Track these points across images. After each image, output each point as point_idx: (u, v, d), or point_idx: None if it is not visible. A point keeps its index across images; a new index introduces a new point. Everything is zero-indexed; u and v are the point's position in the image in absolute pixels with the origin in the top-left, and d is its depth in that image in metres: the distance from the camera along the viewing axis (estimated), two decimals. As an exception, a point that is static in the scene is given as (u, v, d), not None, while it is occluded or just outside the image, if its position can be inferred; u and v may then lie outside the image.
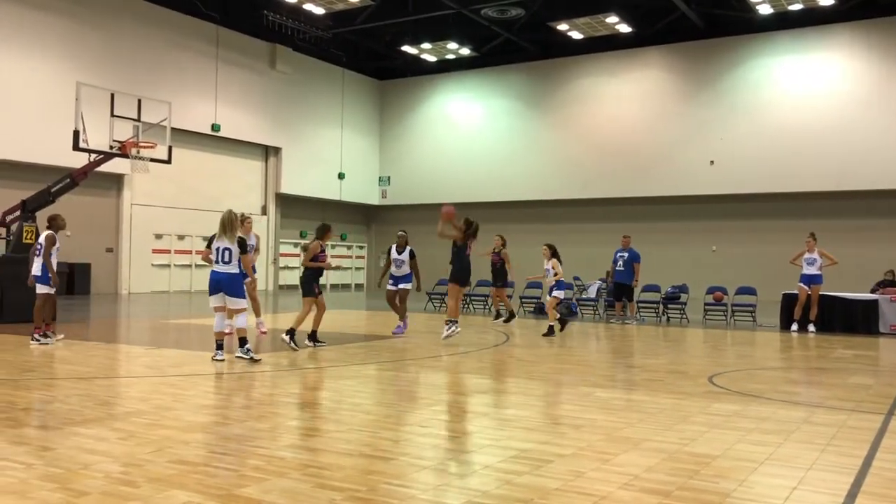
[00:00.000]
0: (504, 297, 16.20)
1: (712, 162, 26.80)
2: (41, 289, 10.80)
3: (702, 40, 27.09)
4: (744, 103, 26.52)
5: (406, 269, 13.13)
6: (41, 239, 10.86)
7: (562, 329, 13.56)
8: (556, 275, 13.17)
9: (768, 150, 25.78)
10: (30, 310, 12.51)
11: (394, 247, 13.26)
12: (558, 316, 13.53)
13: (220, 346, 9.11)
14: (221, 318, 9.28)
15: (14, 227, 14.60)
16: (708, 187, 26.78)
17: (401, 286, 13.09)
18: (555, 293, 13.29)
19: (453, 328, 11.42)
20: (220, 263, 9.11)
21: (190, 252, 26.13)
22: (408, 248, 13.17)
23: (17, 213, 14.66)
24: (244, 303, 9.33)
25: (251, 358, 9.11)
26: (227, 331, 9.57)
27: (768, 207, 26.09)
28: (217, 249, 9.13)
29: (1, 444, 5.01)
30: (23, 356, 9.37)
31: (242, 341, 9.25)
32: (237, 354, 9.19)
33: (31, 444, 5.04)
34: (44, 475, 4.32)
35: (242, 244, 9.17)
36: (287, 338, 10.26)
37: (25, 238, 14.09)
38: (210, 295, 9.20)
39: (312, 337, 10.77)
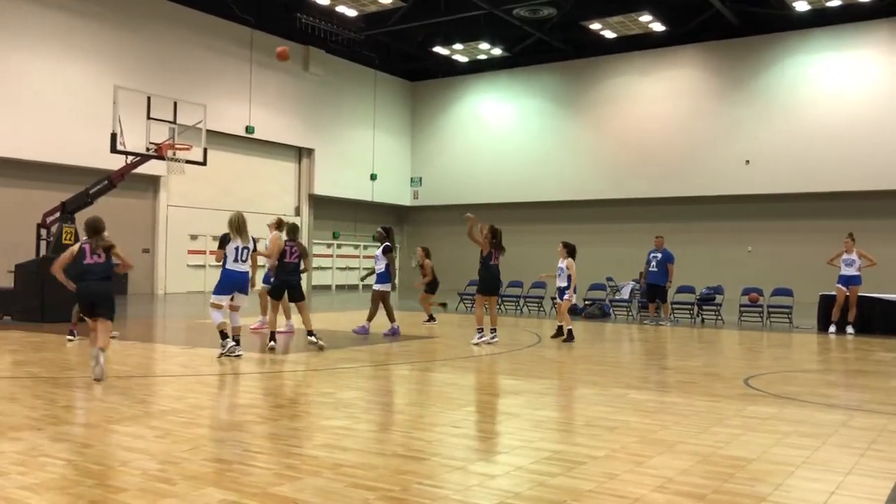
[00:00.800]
0: (427, 302, 15.27)
1: (748, 161, 26.47)
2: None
3: (736, 38, 26.77)
4: (779, 102, 26.15)
5: (381, 266, 12.83)
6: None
7: (567, 339, 12.07)
8: (570, 276, 12.34)
9: (805, 149, 25.40)
10: (71, 310, 12.75)
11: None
12: (569, 326, 12.25)
13: (226, 336, 9.31)
14: (220, 314, 9.51)
15: (54, 229, 14.89)
16: (743, 187, 26.46)
17: (379, 287, 12.82)
18: (567, 295, 12.35)
19: (482, 336, 11.54)
20: (239, 262, 9.36)
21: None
22: (383, 245, 12.90)
23: (57, 214, 14.97)
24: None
25: (238, 355, 9.32)
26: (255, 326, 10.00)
27: (805, 207, 25.70)
28: (237, 249, 9.34)
29: (43, 441, 5.11)
30: (63, 355, 9.56)
31: (237, 339, 9.47)
32: (223, 352, 9.33)
33: (71, 441, 5.13)
34: (84, 471, 4.40)
35: (254, 244, 9.60)
36: (314, 338, 10.46)
37: (65, 239, 14.37)
38: (222, 293, 9.40)
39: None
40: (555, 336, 12.55)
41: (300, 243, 10.73)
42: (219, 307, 9.45)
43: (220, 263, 9.43)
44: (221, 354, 9.25)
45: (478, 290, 11.97)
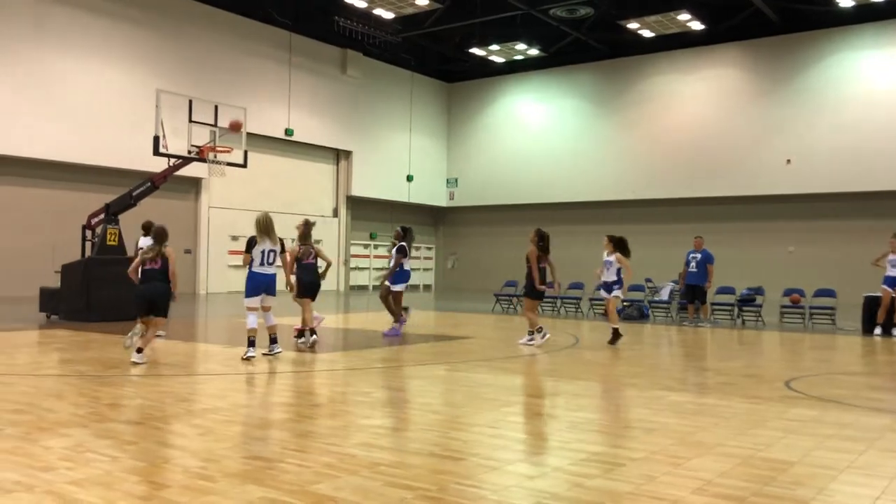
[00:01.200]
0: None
1: (789, 161, 26.04)
2: None
3: (777, 36, 26.35)
4: (822, 100, 25.68)
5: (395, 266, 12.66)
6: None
7: (612, 341, 11.67)
8: (620, 270, 11.64)
9: (848, 148, 24.91)
10: (116, 308, 13.07)
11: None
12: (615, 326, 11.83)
13: (253, 343, 9.32)
14: (256, 317, 9.56)
15: (98, 230, 15.20)
16: (784, 187, 26.03)
17: (393, 287, 12.71)
18: (615, 292, 11.80)
19: (532, 338, 11.41)
20: (266, 265, 9.38)
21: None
22: (399, 244, 12.73)
23: (101, 216, 15.27)
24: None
25: (278, 353, 9.48)
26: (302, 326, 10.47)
27: (848, 207, 25.20)
28: (263, 252, 9.34)
29: (88, 437, 5.23)
30: (108, 353, 9.75)
31: (274, 339, 9.55)
32: (265, 352, 9.45)
33: (115, 438, 5.24)
34: (127, 468, 4.50)
35: (282, 245, 9.63)
36: (308, 337, 10.67)
37: (109, 240, 14.66)
38: (252, 296, 9.44)
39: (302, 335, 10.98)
40: (612, 341, 11.67)
41: (311, 245, 10.90)
42: (253, 310, 9.50)
43: (247, 266, 9.50)
44: (247, 356, 9.14)
45: (526, 294, 11.57)
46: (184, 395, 7.12)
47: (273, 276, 9.49)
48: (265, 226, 9.42)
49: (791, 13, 25.27)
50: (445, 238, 35.26)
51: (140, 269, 9.21)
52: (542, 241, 11.37)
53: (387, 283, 12.82)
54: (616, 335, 11.72)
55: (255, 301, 9.46)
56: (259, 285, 9.44)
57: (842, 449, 5.25)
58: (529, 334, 11.51)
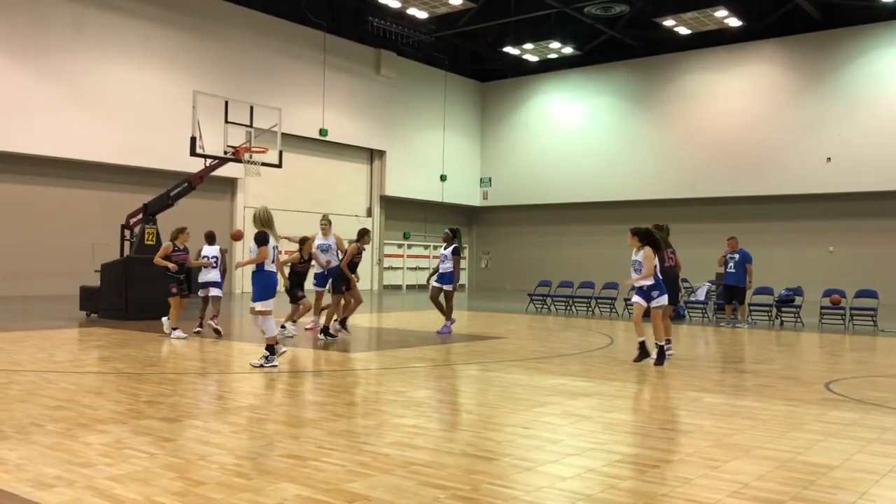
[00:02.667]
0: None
1: (829, 159, 25.58)
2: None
3: (818, 32, 25.89)
4: (864, 97, 25.18)
5: (448, 266, 12.96)
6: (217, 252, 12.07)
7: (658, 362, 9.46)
8: (645, 269, 9.35)
9: (890, 146, 24.40)
10: (154, 307, 13.32)
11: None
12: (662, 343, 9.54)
13: (274, 352, 8.53)
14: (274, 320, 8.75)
15: (137, 230, 15.44)
16: (824, 185, 25.58)
17: (445, 286, 13.01)
18: (658, 299, 9.38)
19: (669, 350, 9.85)
20: (272, 263, 8.60)
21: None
22: (452, 246, 13.03)
23: (140, 216, 15.51)
24: None
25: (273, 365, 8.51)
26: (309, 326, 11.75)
27: (890, 206, 24.69)
28: (274, 248, 8.62)
29: (126, 434, 5.31)
30: (146, 351, 9.90)
31: (272, 349, 8.62)
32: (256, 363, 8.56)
33: (153, 435, 5.32)
34: (165, 464, 4.56)
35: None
36: (324, 335, 11.32)
37: (146, 240, 14.88)
38: (268, 298, 8.55)
39: (325, 331, 11.46)
40: (658, 362, 9.41)
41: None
42: (270, 314, 8.58)
43: (257, 265, 8.54)
44: (262, 365, 8.41)
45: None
46: (220, 392, 7.20)
47: (276, 276, 8.80)
48: (268, 220, 8.69)
49: (832, 9, 24.82)
50: (479, 238, 35.22)
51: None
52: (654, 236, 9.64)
53: (447, 286, 13.02)
54: (661, 354, 9.41)
55: (271, 304, 8.57)
56: (274, 285, 8.62)
57: (884, 453, 5.15)
58: (668, 343, 9.73)
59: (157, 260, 11.74)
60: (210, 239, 12.20)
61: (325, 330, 11.50)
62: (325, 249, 12.37)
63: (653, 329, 9.45)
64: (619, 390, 7.84)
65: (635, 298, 9.61)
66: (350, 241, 12.08)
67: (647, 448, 5.21)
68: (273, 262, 8.65)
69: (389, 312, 18.44)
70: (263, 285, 8.55)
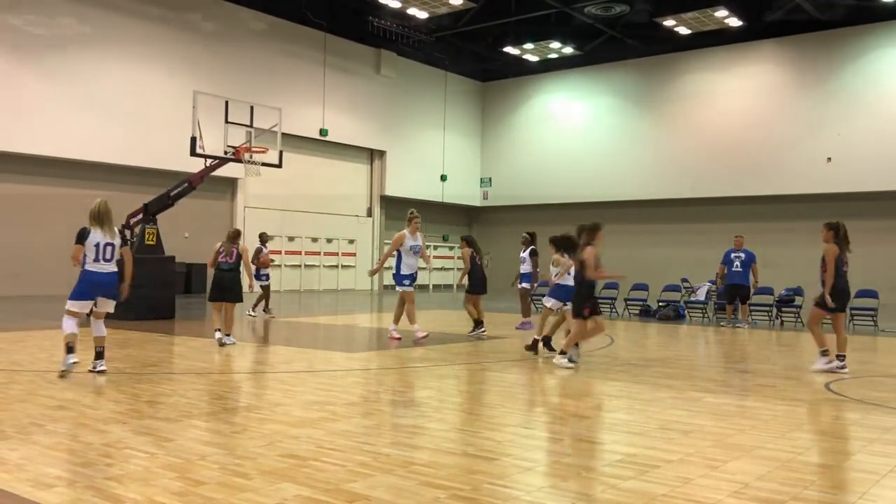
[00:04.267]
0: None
1: (829, 159, 25.57)
2: None
3: (818, 32, 25.88)
4: (864, 97, 25.18)
5: (527, 268, 14.26)
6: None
7: (532, 350, 10.19)
8: (557, 274, 10.15)
9: (890, 146, 24.38)
10: (153, 308, 13.29)
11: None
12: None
13: (72, 350, 7.80)
14: (77, 323, 8.04)
15: (137, 230, 15.43)
16: (824, 185, 25.55)
17: (522, 284, 14.43)
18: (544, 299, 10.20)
19: (830, 363, 9.07)
20: (101, 262, 7.90)
21: (300, 252, 27.04)
22: (530, 247, 14.20)
23: (140, 216, 15.50)
24: None
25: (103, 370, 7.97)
26: None
27: (890, 206, 24.69)
28: (97, 246, 7.83)
29: (127, 434, 5.31)
30: (146, 352, 9.90)
31: (101, 350, 8.15)
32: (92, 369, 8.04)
33: (153, 435, 5.32)
34: (165, 464, 4.56)
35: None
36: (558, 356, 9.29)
37: (147, 240, 14.87)
38: (80, 300, 7.96)
39: (546, 342, 10.37)
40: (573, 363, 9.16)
41: (237, 245, 10.97)
42: (74, 315, 7.87)
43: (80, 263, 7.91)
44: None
45: (830, 305, 9.45)
46: (219, 393, 7.20)
47: (113, 276, 7.99)
48: (97, 214, 7.87)
49: (832, 8, 24.78)
50: (479, 238, 34.92)
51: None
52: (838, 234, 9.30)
53: (525, 284, 14.46)
54: (580, 359, 9.25)
55: (77, 305, 7.89)
56: (93, 286, 7.89)
57: (884, 453, 5.14)
58: (824, 355, 9.14)
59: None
60: (264, 240, 15.47)
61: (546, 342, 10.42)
62: (417, 251, 11.72)
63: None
64: (620, 390, 7.84)
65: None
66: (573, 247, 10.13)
67: (647, 448, 5.21)
68: (98, 260, 7.80)
69: (389, 312, 18.40)
70: (77, 285, 7.94)
